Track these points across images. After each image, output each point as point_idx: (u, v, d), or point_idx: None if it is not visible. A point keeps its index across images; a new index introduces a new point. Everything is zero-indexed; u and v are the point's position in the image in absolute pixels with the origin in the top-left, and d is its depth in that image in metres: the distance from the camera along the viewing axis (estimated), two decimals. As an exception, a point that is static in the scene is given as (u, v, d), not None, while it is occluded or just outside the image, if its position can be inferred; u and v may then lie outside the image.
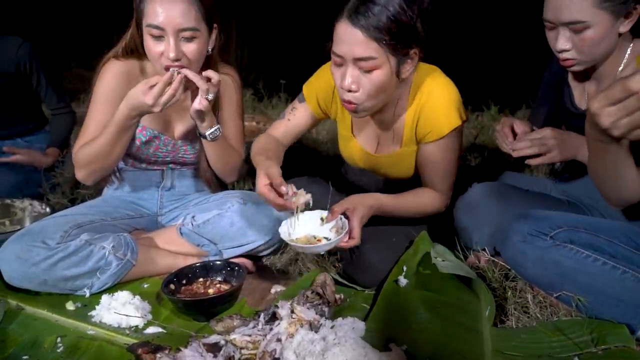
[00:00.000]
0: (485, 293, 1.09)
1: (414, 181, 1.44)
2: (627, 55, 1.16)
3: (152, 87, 1.17)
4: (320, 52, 1.32)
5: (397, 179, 1.42)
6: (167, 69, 1.21)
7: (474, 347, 0.96)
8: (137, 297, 1.16)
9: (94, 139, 1.27)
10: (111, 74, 1.31)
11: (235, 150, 1.45)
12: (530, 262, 1.03)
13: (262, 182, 1.10)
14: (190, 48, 1.23)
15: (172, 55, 1.19)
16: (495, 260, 1.20)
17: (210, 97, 1.24)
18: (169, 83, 1.18)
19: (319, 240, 1.14)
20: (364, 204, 1.19)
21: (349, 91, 1.09)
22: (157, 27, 1.19)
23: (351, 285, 1.23)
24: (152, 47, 1.22)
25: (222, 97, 1.43)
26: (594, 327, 0.92)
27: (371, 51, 1.03)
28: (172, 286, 1.20)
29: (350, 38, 1.04)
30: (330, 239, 1.12)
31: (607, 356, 0.85)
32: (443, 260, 1.14)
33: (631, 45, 1.16)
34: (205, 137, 1.30)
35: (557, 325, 0.97)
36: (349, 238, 1.13)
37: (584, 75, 1.26)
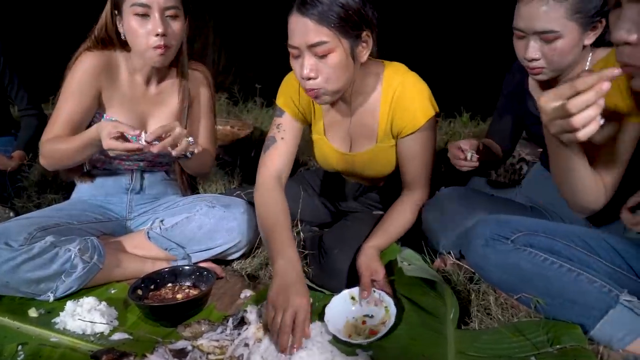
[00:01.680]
0: (450, 296, 1.11)
1: (388, 187, 1.46)
2: (587, 66, 1.22)
3: (117, 138, 1.16)
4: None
5: (373, 178, 1.44)
6: (157, 49, 1.24)
7: (438, 349, 0.99)
8: (104, 303, 1.14)
9: (60, 140, 1.26)
10: (83, 66, 1.30)
11: (208, 151, 1.45)
12: (492, 265, 1.06)
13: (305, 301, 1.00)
14: (174, 27, 1.28)
15: (160, 30, 1.23)
16: (460, 263, 1.23)
17: (195, 152, 1.27)
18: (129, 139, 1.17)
19: (364, 323, 1.08)
20: (372, 259, 1.21)
21: (309, 79, 1.12)
22: (142, 5, 1.22)
23: (320, 289, 1.24)
24: (137, 27, 1.24)
25: (193, 95, 1.43)
26: (550, 328, 0.96)
27: (322, 36, 1.07)
28: (139, 292, 1.19)
29: (301, 27, 1.08)
30: (372, 315, 1.09)
31: (562, 355, 0.89)
32: (409, 265, 1.16)
33: (590, 55, 1.21)
34: (186, 157, 1.28)
35: (517, 326, 1.00)
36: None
37: (545, 85, 1.31)
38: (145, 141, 1.17)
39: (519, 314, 1.05)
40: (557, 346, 0.90)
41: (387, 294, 1.12)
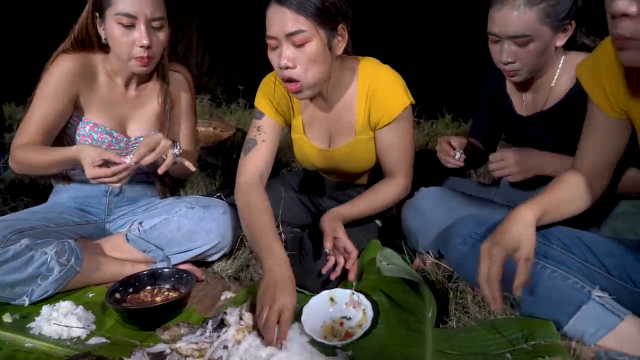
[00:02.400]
0: (428, 295, 1.12)
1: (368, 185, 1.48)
2: (559, 67, 1.25)
3: (101, 165, 1.12)
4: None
5: (353, 174, 1.45)
6: (140, 60, 1.24)
7: (416, 348, 1.00)
8: (80, 307, 1.13)
9: (35, 150, 1.22)
10: (60, 69, 1.28)
11: (190, 153, 1.44)
12: (469, 264, 1.07)
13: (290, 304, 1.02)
14: (159, 37, 1.27)
15: (145, 42, 1.22)
16: (439, 262, 1.25)
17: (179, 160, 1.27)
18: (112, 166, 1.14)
19: (341, 324, 1.07)
20: (334, 219, 1.26)
21: (287, 68, 1.13)
22: (129, 16, 1.20)
23: (300, 290, 1.24)
24: (121, 36, 1.23)
25: (174, 97, 1.43)
26: (524, 324, 0.97)
27: (300, 25, 1.10)
28: (117, 295, 1.18)
29: (279, 17, 1.10)
30: (349, 317, 1.08)
31: (536, 351, 0.90)
32: (388, 264, 1.17)
33: (563, 57, 1.25)
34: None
35: (493, 324, 1.02)
36: (346, 252, 1.21)
37: (521, 86, 1.34)
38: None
39: (495, 312, 1.06)
40: (532, 342, 0.92)
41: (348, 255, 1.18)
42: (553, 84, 1.26)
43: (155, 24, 1.24)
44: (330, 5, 1.12)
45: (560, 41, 1.19)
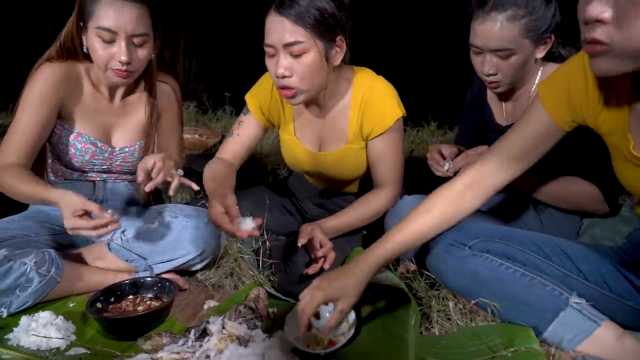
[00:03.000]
0: (411, 302, 1.13)
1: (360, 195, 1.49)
2: (538, 77, 1.28)
3: (82, 215, 1.11)
4: (264, 67, 1.36)
5: (340, 181, 1.46)
6: (117, 72, 1.22)
7: (399, 356, 1.00)
8: (60, 317, 1.11)
9: (17, 179, 1.19)
10: (44, 77, 1.26)
11: (176, 163, 1.43)
12: (450, 271, 1.08)
13: (217, 210, 1.13)
14: (140, 54, 1.24)
15: (124, 58, 1.20)
16: (421, 270, 1.25)
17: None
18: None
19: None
20: (313, 227, 1.28)
21: (283, 77, 1.15)
22: (109, 31, 1.18)
23: (285, 298, 1.24)
24: (100, 50, 1.21)
25: (161, 108, 1.42)
26: (504, 331, 0.99)
27: (298, 35, 1.12)
28: (98, 305, 1.16)
29: (278, 26, 1.12)
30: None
31: (515, 357, 0.91)
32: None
33: (542, 68, 1.28)
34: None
35: (475, 330, 1.03)
36: (321, 247, 1.23)
37: (502, 96, 1.37)
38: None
39: (476, 319, 1.08)
40: (511, 349, 0.93)
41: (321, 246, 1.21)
42: (531, 94, 1.29)
43: (136, 40, 1.22)
44: (330, 17, 1.14)
45: (540, 53, 1.22)
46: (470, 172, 1.05)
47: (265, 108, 1.39)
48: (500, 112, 1.40)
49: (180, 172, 1.27)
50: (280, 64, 1.14)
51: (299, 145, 1.41)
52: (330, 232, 1.31)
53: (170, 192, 1.22)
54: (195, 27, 5.55)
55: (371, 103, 1.28)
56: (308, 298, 0.99)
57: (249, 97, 1.41)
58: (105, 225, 1.12)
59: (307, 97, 1.22)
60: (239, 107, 1.44)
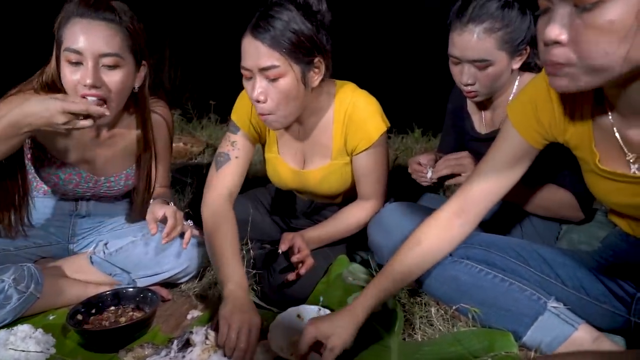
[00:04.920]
0: (394, 309, 1.14)
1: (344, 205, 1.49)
2: (515, 87, 1.31)
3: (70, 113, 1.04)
4: None
5: (326, 197, 1.46)
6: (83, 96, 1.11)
7: (382, 362, 1.01)
8: (40, 330, 1.09)
9: None
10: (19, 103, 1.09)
11: (166, 192, 1.45)
12: (432, 278, 1.10)
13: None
14: (111, 77, 1.13)
15: (88, 81, 1.09)
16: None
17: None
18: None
19: None
20: (295, 235, 1.28)
21: (258, 102, 1.13)
22: (75, 51, 1.09)
23: (269, 307, 1.24)
24: (68, 74, 1.11)
25: (154, 139, 1.37)
26: (485, 336, 1.00)
27: (274, 60, 1.09)
28: (79, 317, 1.15)
29: (253, 50, 1.09)
30: None
31: (495, 362, 0.93)
32: (354, 279, 1.18)
33: (518, 78, 1.31)
34: None
35: (456, 336, 1.04)
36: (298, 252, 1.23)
37: (481, 105, 1.40)
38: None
39: (458, 324, 1.09)
40: (492, 353, 0.95)
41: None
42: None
43: (106, 60, 1.11)
44: (306, 40, 1.11)
45: (517, 64, 1.25)
46: (455, 199, 1.06)
47: (255, 122, 1.35)
48: (479, 120, 1.42)
49: (190, 222, 1.26)
50: (256, 88, 1.11)
51: (282, 164, 1.39)
52: (312, 242, 1.30)
53: (184, 246, 1.22)
54: (180, 36, 5.54)
55: (354, 118, 1.26)
56: (302, 334, 0.97)
57: (235, 115, 1.35)
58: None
59: (286, 122, 1.19)
60: (224, 115, 1.43)
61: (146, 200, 1.37)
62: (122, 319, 1.17)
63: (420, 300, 1.17)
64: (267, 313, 1.21)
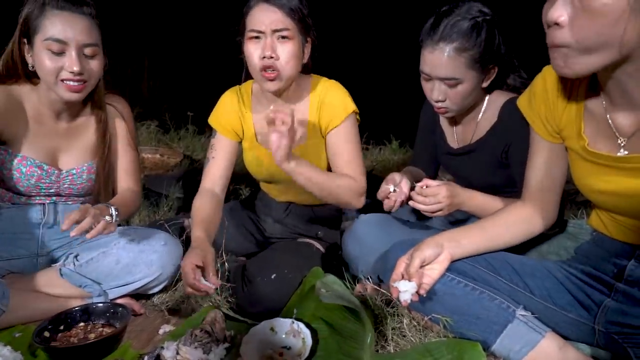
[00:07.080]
0: (367, 321, 1.14)
1: (321, 211, 1.51)
2: (485, 105, 1.35)
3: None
4: (228, 86, 1.44)
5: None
6: (68, 86, 1.20)
7: (355, 374, 1.01)
8: (8, 347, 1.06)
9: None
10: None
11: (130, 191, 1.42)
12: (405, 287, 1.11)
13: (192, 260, 1.12)
14: (92, 65, 1.24)
15: (75, 68, 1.19)
16: (378, 288, 1.27)
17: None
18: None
19: (281, 354, 1.07)
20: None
21: (270, 58, 1.23)
22: (59, 41, 1.18)
23: (243, 319, 1.23)
24: (49, 62, 1.19)
25: (111, 132, 1.39)
26: (454, 347, 1.01)
27: (287, 24, 1.24)
28: (46, 334, 1.12)
29: (270, 14, 1.23)
30: (289, 347, 1.08)
31: (465, 372, 0.94)
32: (327, 291, 1.18)
33: (488, 96, 1.35)
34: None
35: (427, 346, 1.05)
36: None
37: (452, 120, 1.43)
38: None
39: (429, 334, 1.10)
40: (461, 363, 0.96)
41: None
42: (479, 120, 1.36)
43: (87, 50, 1.22)
44: (307, 17, 1.29)
45: (486, 83, 1.28)
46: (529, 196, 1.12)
47: (229, 123, 1.42)
48: (452, 135, 1.45)
49: (114, 215, 1.22)
50: (268, 46, 1.22)
51: (260, 150, 1.43)
52: (303, 164, 1.24)
53: (88, 236, 1.15)
54: (159, 46, 5.51)
55: (327, 100, 1.36)
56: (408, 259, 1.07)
57: (212, 120, 1.44)
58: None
59: (285, 84, 1.29)
60: (202, 126, 1.45)
61: (106, 198, 1.38)
62: (92, 335, 1.15)
63: (394, 312, 1.18)
64: (241, 325, 1.21)
